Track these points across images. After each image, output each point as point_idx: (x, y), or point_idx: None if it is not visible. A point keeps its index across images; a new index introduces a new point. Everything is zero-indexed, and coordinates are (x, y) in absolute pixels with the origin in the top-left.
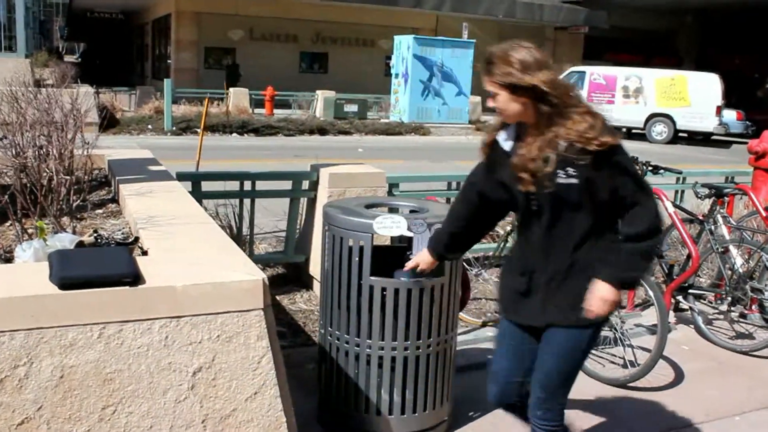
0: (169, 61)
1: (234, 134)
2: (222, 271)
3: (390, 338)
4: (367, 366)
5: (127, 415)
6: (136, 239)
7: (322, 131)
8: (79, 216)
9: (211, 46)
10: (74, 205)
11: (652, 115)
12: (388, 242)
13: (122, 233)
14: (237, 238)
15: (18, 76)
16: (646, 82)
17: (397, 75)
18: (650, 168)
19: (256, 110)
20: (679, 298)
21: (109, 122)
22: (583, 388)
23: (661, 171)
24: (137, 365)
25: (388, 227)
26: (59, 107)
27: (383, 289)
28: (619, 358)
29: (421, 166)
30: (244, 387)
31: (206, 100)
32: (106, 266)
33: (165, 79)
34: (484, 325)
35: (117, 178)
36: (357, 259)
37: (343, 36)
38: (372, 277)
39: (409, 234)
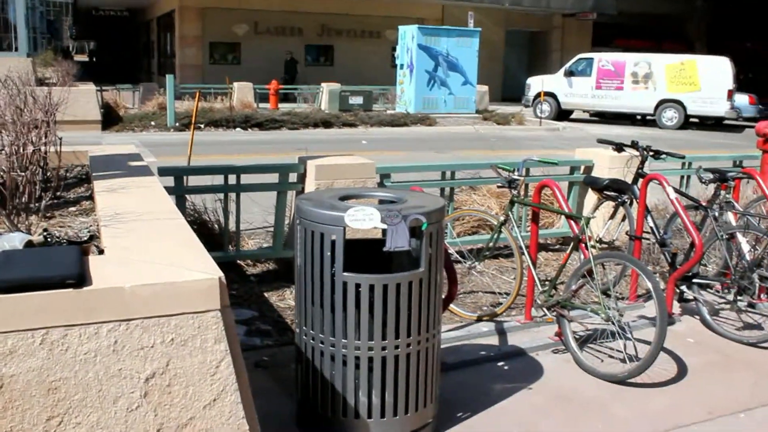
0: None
1: (238, 129)
2: (176, 269)
3: (366, 337)
4: (343, 367)
5: (74, 426)
6: (92, 237)
7: (326, 124)
8: (48, 214)
9: (216, 41)
10: (43, 203)
11: (662, 101)
12: (378, 235)
13: (88, 231)
14: (223, 233)
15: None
16: (655, 68)
17: (402, 66)
18: (651, 153)
19: (261, 104)
20: (683, 288)
21: (112, 120)
22: (579, 385)
23: (663, 156)
24: (84, 372)
25: (360, 220)
26: (21, 103)
27: (357, 286)
28: (618, 352)
29: (425, 156)
30: (201, 393)
31: (197, 93)
32: (49, 267)
33: (167, 76)
34: (479, 319)
35: (93, 174)
36: (329, 253)
37: (349, 28)
38: (345, 273)
39: (383, 226)
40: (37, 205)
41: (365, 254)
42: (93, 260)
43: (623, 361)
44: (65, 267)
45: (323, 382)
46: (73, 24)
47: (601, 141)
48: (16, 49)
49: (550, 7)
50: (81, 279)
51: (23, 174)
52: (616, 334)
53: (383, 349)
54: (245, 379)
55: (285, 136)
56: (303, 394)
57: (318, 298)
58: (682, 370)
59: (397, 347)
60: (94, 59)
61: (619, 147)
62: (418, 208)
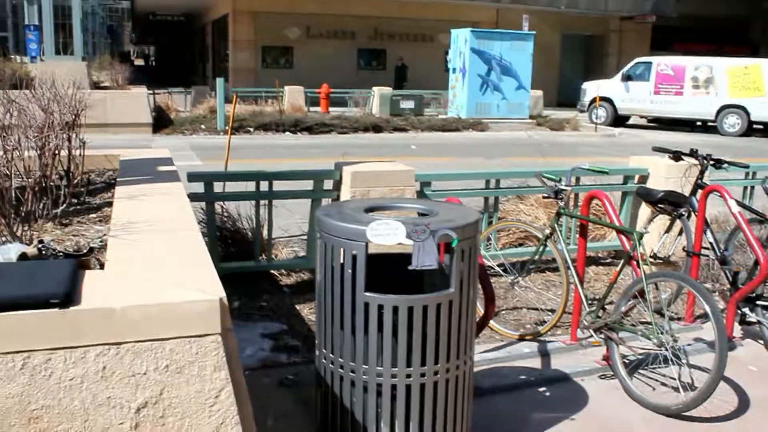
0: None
1: (287, 132)
2: (174, 289)
3: (389, 364)
4: (364, 394)
5: None
6: (91, 250)
7: (376, 128)
8: (66, 221)
9: (269, 44)
10: (60, 209)
11: (724, 107)
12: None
13: (90, 243)
14: (255, 242)
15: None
16: (717, 72)
17: (454, 70)
18: (711, 162)
19: (312, 108)
20: (746, 309)
21: (163, 122)
22: (627, 416)
23: (725, 165)
24: (69, 400)
25: (383, 234)
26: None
27: (380, 307)
28: (672, 379)
29: (474, 163)
30: (199, 426)
31: (234, 96)
32: (35, 284)
33: (217, 79)
34: (521, 338)
35: (117, 179)
36: (350, 271)
37: (402, 32)
38: (367, 293)
39: (409, 242)
40: (54, 211)
41: (396, 270)
42: (89, 276)
43: (677, 390)
44: (52, 284)
45: (342, 410)
46: (133, 29)
47: (657, 149)
48: (72, 53)
49: (608, 9)
50: (67, 298)
51: (29, 179)
52: (670, 360)
53: (408, 376)
54: (248, 411)
55: (334, 140)
56: (322, 421)
57: (338, 319)
58: (743, 403)
59: (423, 375)
60: (153, 63)
61: (676, 155)
62: (449, 222)
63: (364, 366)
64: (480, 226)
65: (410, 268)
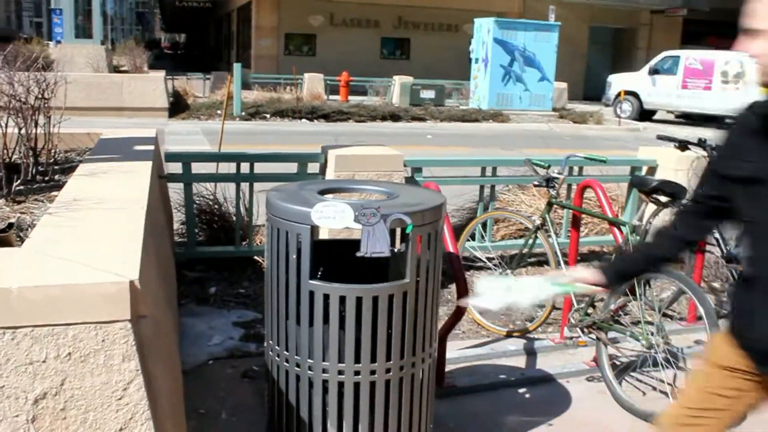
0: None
1: (304, 120)
2: (82, 269)
3: (335, 359)
4: (310, 390)
5: None
6: (10, 225)
7: (394, 117)
8: (20, 198)
9: (291, 32)
10: (14, 186)
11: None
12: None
13: (7, 219)
14: (235, 227)
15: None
16: (747, 67)
17: (477, 60)
18: None
19: (332, 96)
20: None
21: (180, 107)
22: (611, 422)
23: None
24: None
25: (329, 217)
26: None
27: (326, 297)
28: (664, 383)
29: (489, 153)
30: (104, 421)
31: (229, 78)
32: None
33: (235, 64)
34: (509, 335)
35: (86, 156)
36: (294, 257)
37: (426, 21)
38: (312, 281)
39: (357, 226)
40: (9, 188)
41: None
42: (0, 253)
43: (668, 396)
44: None
45: (288, 406)
46: (162, 16)
47: (662, 137)
48: (91, 37)
49: (638, 2)
50: None
51: None
52: (660, 363)
53: (357, 373)
54: (165, 406)
55: (349, 128)
56: (269, 417)
57: (283, 308)
58: None
59: (373, 372)
60: (181, 50)
61: (683, 145)
62: (408, 206)
63: (309, 360)
64: (443, 212)
65: (358, 255)
